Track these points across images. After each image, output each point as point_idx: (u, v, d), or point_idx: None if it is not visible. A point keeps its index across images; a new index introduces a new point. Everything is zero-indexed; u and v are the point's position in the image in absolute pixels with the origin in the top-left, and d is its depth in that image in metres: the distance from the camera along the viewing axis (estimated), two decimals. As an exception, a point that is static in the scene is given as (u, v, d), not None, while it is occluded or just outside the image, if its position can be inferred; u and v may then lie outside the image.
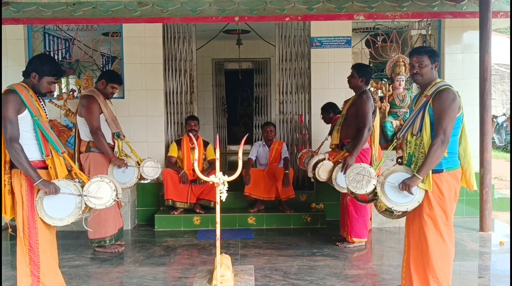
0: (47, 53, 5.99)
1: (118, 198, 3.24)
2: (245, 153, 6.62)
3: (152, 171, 4.63)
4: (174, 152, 5.79)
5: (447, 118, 2.92)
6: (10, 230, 3.18)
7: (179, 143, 5.83)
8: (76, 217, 3.09)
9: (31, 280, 3.06)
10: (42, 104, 3.17)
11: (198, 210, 5.65)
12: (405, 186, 2.97)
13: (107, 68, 6.70)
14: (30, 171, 2.95)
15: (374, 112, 4.56)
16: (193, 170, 5.66)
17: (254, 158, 6.01)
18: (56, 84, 3.29)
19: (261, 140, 6.14)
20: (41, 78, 3.09)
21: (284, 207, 5.73)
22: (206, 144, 5.94)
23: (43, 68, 3.08)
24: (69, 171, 3.21)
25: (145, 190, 5.91)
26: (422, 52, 3.11)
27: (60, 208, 3.04)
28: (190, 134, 5.65)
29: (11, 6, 5.37)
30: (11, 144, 2.93)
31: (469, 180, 3.10)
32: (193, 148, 5.75)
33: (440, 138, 2.91)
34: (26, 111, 3.01)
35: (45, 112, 3.18)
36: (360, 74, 4.57)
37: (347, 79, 4.74)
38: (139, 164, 4.60)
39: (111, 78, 4.63)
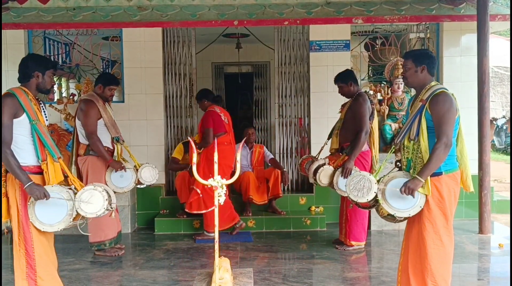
0: (48, 57, 6.01)
1: (111, 208, 3.21)
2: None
3: (149, 176, 4.64)
4: (179, 154, 5.76)
5: (447, 121, 2.93)
6: (6, 231, 3.18)
7: (186, 145, 5.78)
8: (67, 224, 3.05)
9: (28, 284, 3.07)
10: (42, 107, 3.18)
11: None
12: (408, 189, 2.95)
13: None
14: (20, 175, 2.95)
15: (371, 115, 4.58)
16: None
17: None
18: (56, 87, 3.31)
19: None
20: (44, 75, 3.14)
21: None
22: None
23: (41, 64, 3.14)
24: (65, 177, 3.20)
25: (145, 193, 5.92)
26: (407, 55, 3.21)
27: (51, 214, 3.01)
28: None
29: (12, 11, 5.40)
30: (2, 148, 2.94)
31: (466, 181, 3.11)
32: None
33: (443, 141, 2.91)
34: (24, 115, 3.02)
35: (45, 116, 3.19)
36: (345, 81, 4.64)
37: (340, 93, 4.77)
38: (137, 169, 4.61)
39: (108, 80, 4.64)
